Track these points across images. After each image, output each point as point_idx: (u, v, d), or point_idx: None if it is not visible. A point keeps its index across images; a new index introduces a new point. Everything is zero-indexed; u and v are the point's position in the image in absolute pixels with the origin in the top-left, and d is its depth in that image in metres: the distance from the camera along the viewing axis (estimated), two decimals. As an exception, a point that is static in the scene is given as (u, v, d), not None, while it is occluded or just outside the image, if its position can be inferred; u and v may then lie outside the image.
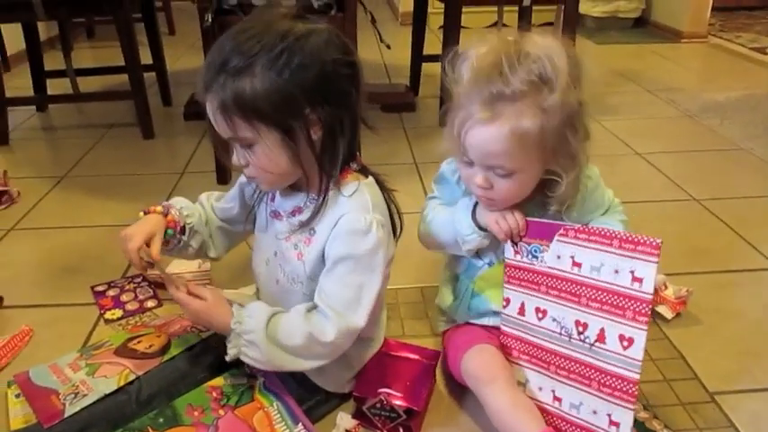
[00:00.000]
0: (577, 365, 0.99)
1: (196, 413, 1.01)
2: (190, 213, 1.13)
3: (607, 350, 0.95)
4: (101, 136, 2.52)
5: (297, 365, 0.99)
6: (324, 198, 0.99)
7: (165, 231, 1.08)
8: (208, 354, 1.13)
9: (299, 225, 1.01)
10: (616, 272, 0.94)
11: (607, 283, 0.95)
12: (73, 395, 1.11)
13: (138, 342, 1.23)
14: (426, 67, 2.88)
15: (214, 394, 1.04)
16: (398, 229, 1.09)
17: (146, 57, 2.64)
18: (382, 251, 0.99)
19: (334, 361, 1.07)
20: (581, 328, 0.98)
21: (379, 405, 1.06)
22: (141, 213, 1.09)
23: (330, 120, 0.95)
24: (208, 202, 1.19)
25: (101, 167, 2.24)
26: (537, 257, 1.02)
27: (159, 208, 1.10)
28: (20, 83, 2.94)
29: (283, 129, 0.93)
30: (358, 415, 1.08)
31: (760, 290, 1.46)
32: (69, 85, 2.68)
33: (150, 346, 1.21)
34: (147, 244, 1.04)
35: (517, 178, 0.97)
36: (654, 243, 0.92)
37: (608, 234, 0.95)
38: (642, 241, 0.92)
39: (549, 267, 1.01)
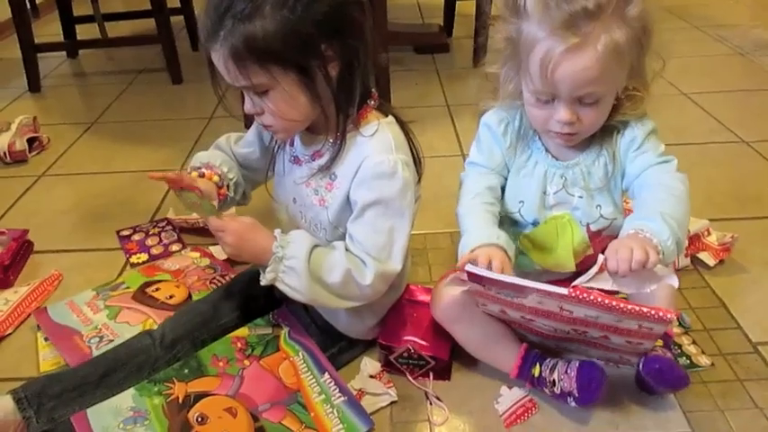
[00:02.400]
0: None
1: (221, 363, 1.00)
2: (229, 168, 1.09)
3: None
4: (130, 82, 2.50)
5: (330, 302, 0.95)
6: (342, 139, 0.95)
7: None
8: (230, 299, 1.12)
9: (318, 169, 0.97)
10: (618, 321, 0.85)
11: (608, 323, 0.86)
12: (98, 338, 1.12)
13: (157, 290, 1.23)
14: (461, 6, 2.76)
15: (239, 345, 1.03)
16: (420, 168, 1.04)
17: (173, 0, 2.59)
18: (410, 192, 0.95)
19: (357, 308, 1.04)
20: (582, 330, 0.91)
21: (406, 354, 1.04)
22: (195, 173, 1.05)
23: (347, 53, 0.89)
24: (228, 145, 1.15)
25: (129, 113, 2.22)
26: (514, 297, 0.89)
27: (216, 178, 1.05)
28: (50, 29, 2.94)
29: (300, 69, 0.88)
30: (385, 363, 1.06)
31: (811, 237, 1.38)
32: (98, 30, 2.66)
33: (171, 297, 1.21)
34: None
35: (602, 104, 0.91)
36: (666, 317, 0.81)
37: (609, 304, 0.82)
38: (658, 318, 0.81)
39: (530, 309, 0.89)
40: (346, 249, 0.95)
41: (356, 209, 0.95)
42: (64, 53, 2.80)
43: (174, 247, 1.41)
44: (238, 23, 0.84)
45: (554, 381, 0.95)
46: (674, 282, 0.86)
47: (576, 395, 0.92)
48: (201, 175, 1.05)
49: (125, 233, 1.47)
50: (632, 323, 0.84)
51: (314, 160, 1.00)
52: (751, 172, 1.65)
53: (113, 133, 2.07)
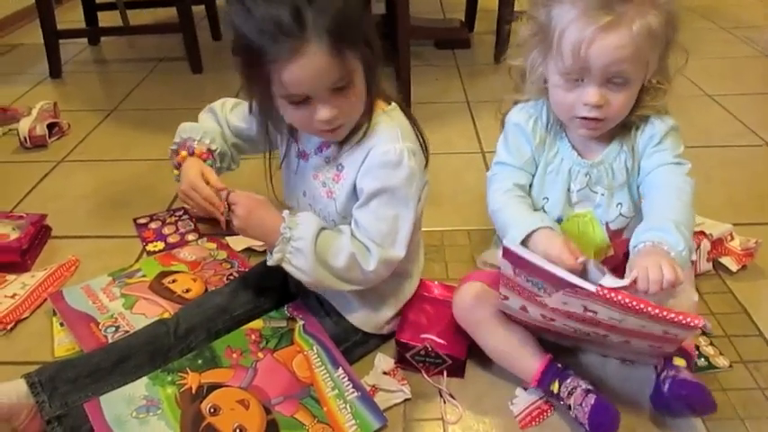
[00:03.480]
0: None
1: (235, 355, 0.99)
2: (211, 139, 1.09)
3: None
4: (150, 70, 2.50)
5: (333, 284, 0.97)
6: (356, 135, 0.95)
7: (207, 163, 1.06)
8: (245, 291, 1.11)
9: (325, 161, 0.97)
10: (643, 326, 0.83)
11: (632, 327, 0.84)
12: (114, 328, 1.12)
13: (174, 282, 1.23)
14: (483, 1, 2.73)
15: (253, 337, 1.03)
16: (426, 153, 1.03)
17: (195, -11, 2.59)
18: (416, 181, 0.95)
19: (371, 301, 1.05)
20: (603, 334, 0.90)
21: (423, 352, 1.03)
22: (175, 172, 1.07)
23: (373, 37, 0.90)
24: (222, 113, 1.13)
25: (149, 101, 2.23)
26: (540, 290, 0.87)
27: (183, 152, 1.06)
28: (72, 16, 2.95)
29: (363, 53, 0.88)
30: (400, 361, 1.05)
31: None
32: (120, 18, 2.66)
33: (187, 291, 1.21)
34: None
35: (631, 87, 0.91)
36: (693, 323, 0.79)
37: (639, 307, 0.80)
38: (686, 323, 0.79)
39: (552, 309, 0.88)
40: (352, 234, 0.95)
41: (362, 196, 0.95)
42: (85, 40, 2.81)
43: (191, 237, 1.41)
44: (323, 2, 0.82)
45: (570, 405, 0.93)
46: (694, 297, 0.84)
47: (587, 429, 0.91)
48: (177, 153, 1.05)
49: (142, 221, 1.48)
50: (657, 328, 0.82)
51: (321, 151, 1.00)
52: (775, 175, 1.62)
53: (133, 121, 2.08)
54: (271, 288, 1.12)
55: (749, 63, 2.40)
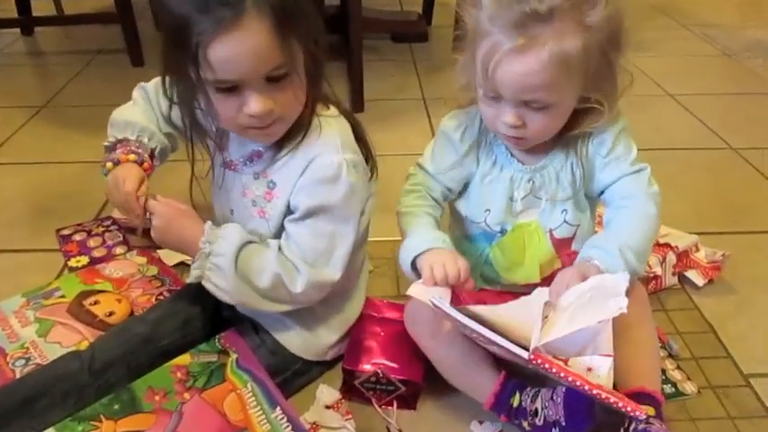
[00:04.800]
0: None
1: (157, 397, 0.87)
2: (150, 136, 0.98)
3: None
4: (87, 63, 2.34)
5: (260, 305, 0.88)
6: (305, 132, 0.85)
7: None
8: (172, 317, 0.99)
9: (254, 176, 0.88)
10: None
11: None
12: (24, 360, 1.00)
13: (96, 303, 1.11)
14: (442, -6, 2.65)
15: (179, 374, 0.91)
16: (372, 164, 0.95)
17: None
18: (356, 197, 0.86)
19: (311, 325, 0.97)
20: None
21: (374, 379, 0.94)
22: (110, 165, 0.94)
23: (316, 28, 0.81)
24: (155, 96, 1.00)
25: (84, 97, 2.07)
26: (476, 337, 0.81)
27: (132, 156, 0.94)
28: (3, 5, 2.74)
29: (308, 43, 0.79)
30: (348, 389, 0.96)
31: (803, 255, 1.30)
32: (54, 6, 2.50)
33: (111, 314, 1.09)
34: None
35: (553, 111, 0.84)
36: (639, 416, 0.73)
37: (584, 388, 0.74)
38: (626, 412, 0.73)
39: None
40: (279, 250, 0.86)
41: (297, 214, 0.86)
42: (17, 30, 2.63)
43: (119, 250, 1.29)
44: None
45: (536, 410, 0.85)
46: (623, 307, 0.76)
47: (564, 424, 0.82)
48: (117, 163, 0.93)
49: (66, 232, 1.34)
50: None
51: (252, 162, 0.89)
52: (739, 181, 1.57)
53: (64, 118, 1.92)
54: (201, 313, 1.01)
55: (709, 62, 2.37)
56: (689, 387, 0.98)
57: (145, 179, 0.93)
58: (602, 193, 0.94)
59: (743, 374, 1.01)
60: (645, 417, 0.74)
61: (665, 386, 0.97)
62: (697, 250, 1.23)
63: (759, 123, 1.87)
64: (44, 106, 1.99)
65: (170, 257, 1.24)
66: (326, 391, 0.96)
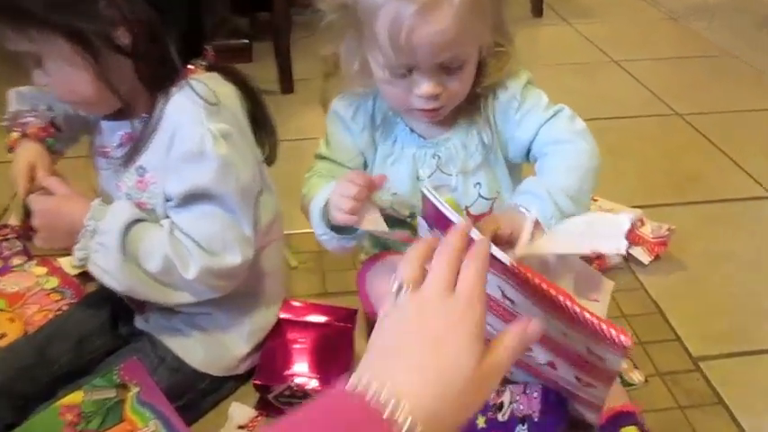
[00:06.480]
0: None
1: (42, 447, 0.76)
2: (48, 105, 0.88)
3: None
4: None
5: (157, 295, 0.78)
6: (151, 122, 0.76)
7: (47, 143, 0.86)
8: (63, 338, 0.88)
9: (122, 164, 0.79)
10: (564, 334, 0.67)
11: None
12: None
13: (-15, 322, 0.98)
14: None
15: (69, 416, 0.77)
16: (271, 145, 0.88)
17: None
18: (234, 171, 0.76)
19: (216, 336, 0.87)
20: None
21: (288, 392, 0.86)
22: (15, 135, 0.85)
23: (142, 14, 0.70)
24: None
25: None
26: None
27: (15, 134, 0.85)
28: None
29: (71, 36, 0.69)
30: (264, 405, 0.88)
31: (753, 224, 1.24)
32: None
33: (1, 336, 0.96)
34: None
35: (468, 67, 0.79)
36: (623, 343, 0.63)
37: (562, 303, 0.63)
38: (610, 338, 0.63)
39: None
40: (171, 231, 0.76)
41: (173, 201, 0.77)
42: None
43: (17, 261, 1.16)
44: None
45: (501, 404, 0.78)
46: (622, 248, 0.70)
47: (536, 420, 0.76)
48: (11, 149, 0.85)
49: (-45, 243, 1.21)
50: (580, 344, 0.65)
51: (122, 145, 0.80)
52: (686, 148, 1.52)
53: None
54: (98, 329, 0.90)
55: (655, 26, 2.32)
56: (636, 376, 0.91)
57: (42, 153, 0.84)
58: (528, 153, 0.86)
59: (692, 358, 0.95)
60: (629, 344, 0.64)
61: (610, 377, 0.90)
62: (642, 225, 1.17)
63: (705, 87, 1.82)
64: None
65: (71, 266, 1.12)
66: (239, 410, 0.87)
